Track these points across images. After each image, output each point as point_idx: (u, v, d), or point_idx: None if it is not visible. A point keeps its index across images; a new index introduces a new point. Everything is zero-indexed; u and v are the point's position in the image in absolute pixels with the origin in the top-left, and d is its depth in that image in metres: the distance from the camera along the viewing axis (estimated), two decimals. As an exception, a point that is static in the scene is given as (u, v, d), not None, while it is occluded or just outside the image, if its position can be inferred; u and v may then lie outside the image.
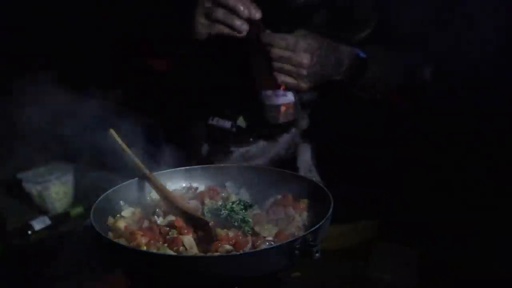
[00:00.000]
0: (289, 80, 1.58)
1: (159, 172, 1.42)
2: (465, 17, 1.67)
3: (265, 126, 1.74)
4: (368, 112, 1.77)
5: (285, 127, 1.80)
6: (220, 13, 1.53)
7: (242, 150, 1.82)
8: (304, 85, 1.60)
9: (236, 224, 1.20)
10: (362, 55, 1.64)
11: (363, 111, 1.76)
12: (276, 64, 1.56)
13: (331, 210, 1.17)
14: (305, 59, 1.54)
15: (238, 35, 1.55)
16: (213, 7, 1.54)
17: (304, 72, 1.56)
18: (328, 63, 1.60)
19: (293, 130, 1.81)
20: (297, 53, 1.53)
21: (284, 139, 1.82)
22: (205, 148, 1.87)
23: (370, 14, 1.72)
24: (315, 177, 1.76)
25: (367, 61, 1.65)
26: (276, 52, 1.53)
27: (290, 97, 1.70)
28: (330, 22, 1.70)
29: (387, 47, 1.71)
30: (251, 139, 1.82)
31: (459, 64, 1.66)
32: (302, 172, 1.76)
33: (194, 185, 1.45)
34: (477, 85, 1.72)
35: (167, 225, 1.23)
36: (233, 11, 1.52)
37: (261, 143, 1.82)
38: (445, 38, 1.70)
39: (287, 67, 1.55)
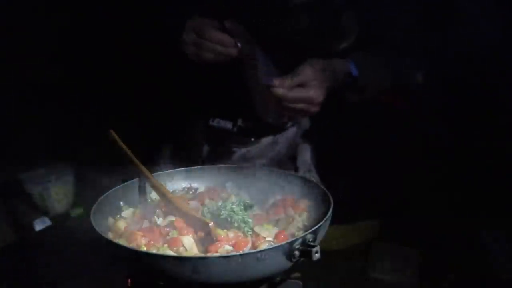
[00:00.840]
0: (300, 115, 1.65)
1: (159, 172, 1.43)
2: (456, 18, 1.68)
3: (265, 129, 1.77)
4: (368, 113, 1.77)
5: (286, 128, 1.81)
6: (207, 44, 1.59)
7: (243, 150, 1.82)
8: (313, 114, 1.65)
9: (236, 224, 1.20)
10: (354, 71, 1.68)
11: (362, 112, 1.76)
12: (289, 112, 1.62)
13: (331, 210, 1.17)
14: (317, 107, 1.62)
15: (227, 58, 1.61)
16: (200, 39, 1.60)
17: (315, 112, 1.63)
18: (330, 84, 1.65)
19: (294, 129, 1.81)
20: (312, 105, 1.60)
21: (285, 139, 1.82)
22: (205, 149, 1.87)
23: (352, 27, 1.74)
24: (314, 177, 1.76)
25: (358, 74, 1.68)
26: (290, 107, 1.59)
27: None
28: (315, 29, 1.73)
29: (376, 52, 1.73)
30: (252, 139, 1.82)
31: (451, 65, 1.67)
32: (301, 172, 1.76)
33: (194, 185, 1.45)
34: (472, 85, 1.73)
35: (167, 226, 1.23)
36: (220, 43, 1.59)
37: (262, 143, 1.82)
38: (435, 40, 1.71)
39: (300, 113, 1.64)
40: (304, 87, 1.59)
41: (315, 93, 1.59)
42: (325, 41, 1.69)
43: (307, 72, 1.59)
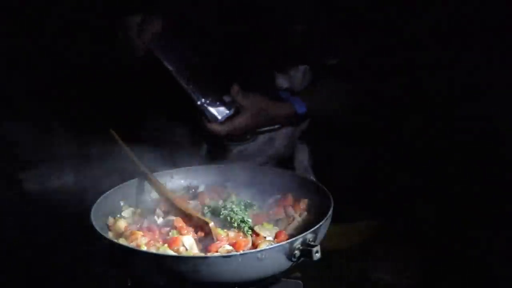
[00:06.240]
0: None
1: (159, 172, 1.42)
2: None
3: None
4: (366, 112, 1.77)
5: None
6: None
7: (240, 147, 1.83)
8: None
9: (236, 224, 1.20)
10: (301, 109, 1.74)
11: (361, 111, 1.77)
12: None
13: (331, 210, 1.17)
14: None
15: None
16: None
17: None
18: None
19: (290, 128, 1.81)
20: None
21: (283, 136, 1.82)
22: (204, 148, 1.87)
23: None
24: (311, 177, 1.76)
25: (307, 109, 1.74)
26: None
27: None
28: (309, 46, 1.74)
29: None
30: (248, 137, 1.82)
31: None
32: (298, 173, 1.76)
33: (194, 184, 1.45)
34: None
35: (167, 225, 1.23)
36: None
37: (259, 141, 1.83)
38: None
39: None
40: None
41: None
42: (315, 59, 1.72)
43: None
